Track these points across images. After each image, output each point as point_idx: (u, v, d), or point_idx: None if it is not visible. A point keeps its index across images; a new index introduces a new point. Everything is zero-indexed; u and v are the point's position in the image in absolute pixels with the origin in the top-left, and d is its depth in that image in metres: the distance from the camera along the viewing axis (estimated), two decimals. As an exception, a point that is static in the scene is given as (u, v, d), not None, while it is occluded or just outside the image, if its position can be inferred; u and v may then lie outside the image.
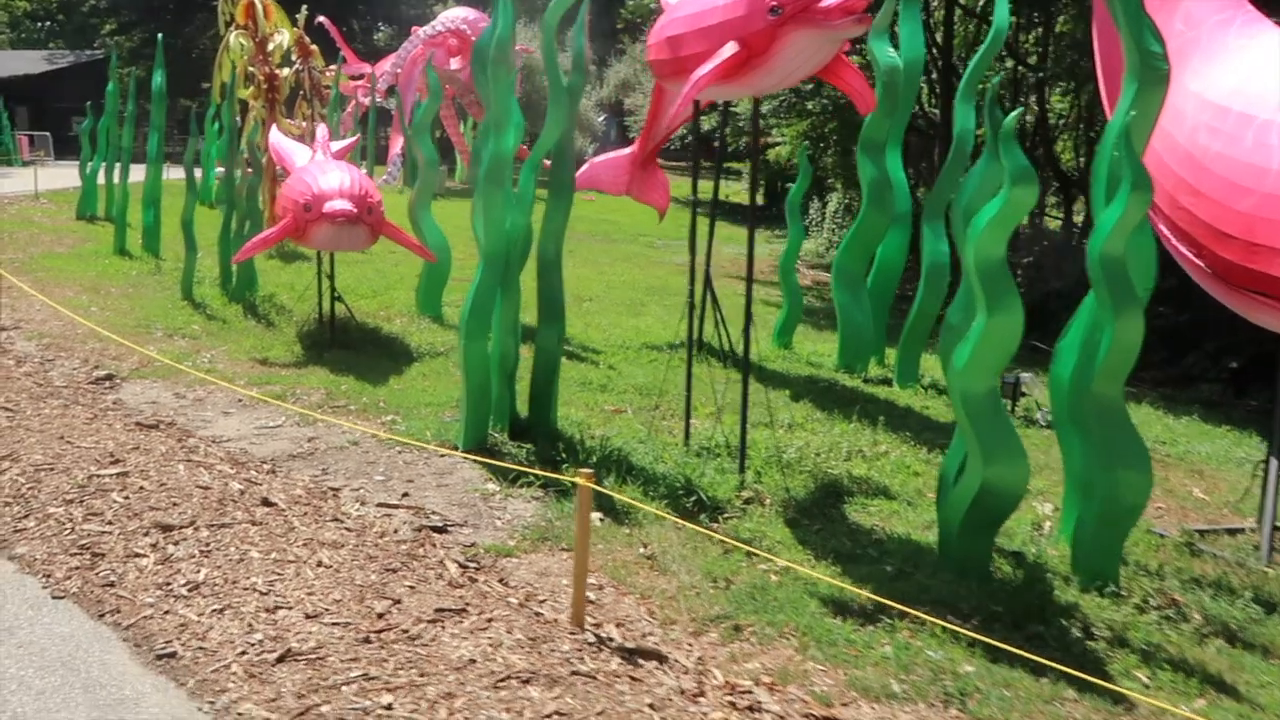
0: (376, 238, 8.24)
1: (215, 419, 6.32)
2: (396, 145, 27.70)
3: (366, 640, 3.43)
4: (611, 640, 3.62)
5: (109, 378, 7.08)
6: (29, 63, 49.98)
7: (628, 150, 9.66)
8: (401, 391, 7.11)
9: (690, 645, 3.72)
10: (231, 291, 10.19)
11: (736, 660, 3.63)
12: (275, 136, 10.61)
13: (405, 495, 5.19)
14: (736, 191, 31.48)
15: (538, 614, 3.79)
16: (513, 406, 6.28)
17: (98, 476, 4.83)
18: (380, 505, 5.00)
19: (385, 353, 8.30)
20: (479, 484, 5.42)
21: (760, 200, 32.78)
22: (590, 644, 3.57)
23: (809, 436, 6.48)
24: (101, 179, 17.18)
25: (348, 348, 8.39)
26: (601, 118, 49.68)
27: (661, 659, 3.54)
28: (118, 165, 15.16)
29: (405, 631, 3.50)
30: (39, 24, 62.68)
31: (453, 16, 25.74)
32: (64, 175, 24.90)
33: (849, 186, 20.73)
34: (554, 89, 6.07)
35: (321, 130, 9.33)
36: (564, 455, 5.75)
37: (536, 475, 5.31)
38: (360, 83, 29.16)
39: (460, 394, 6.56)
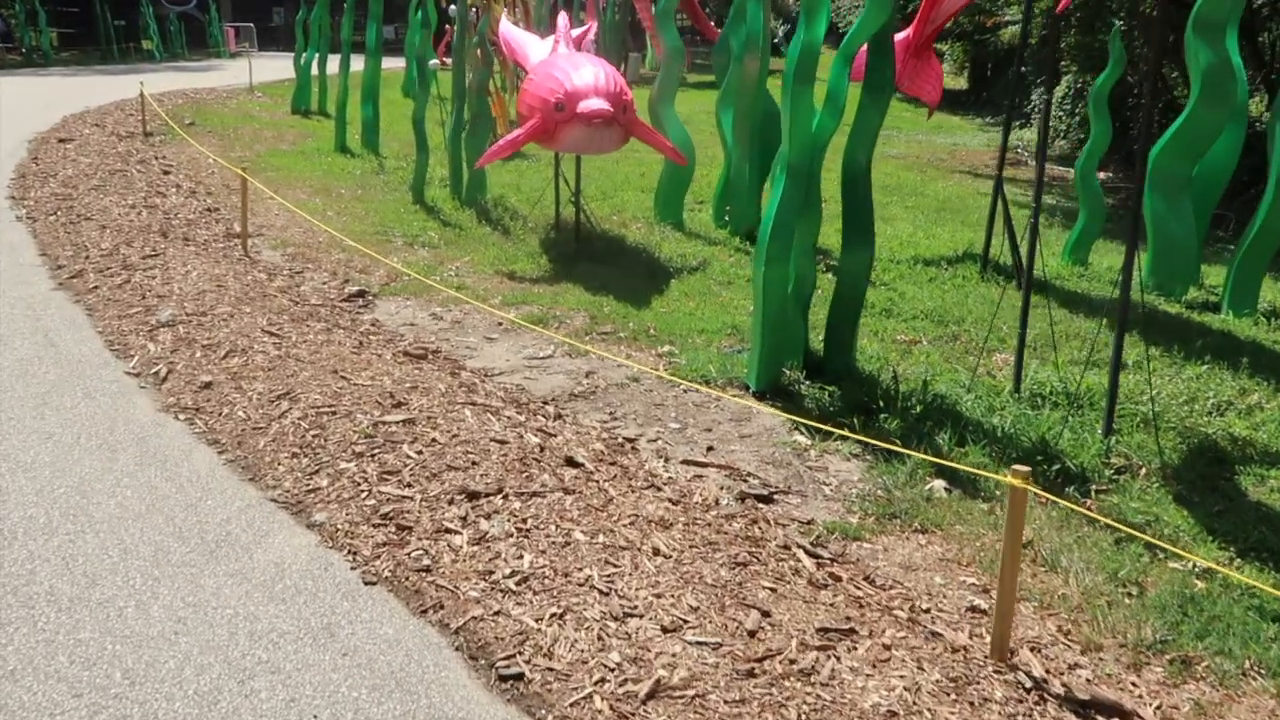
0: (628, 138, 7.53)
1: (480, 346, 5.80)
2: (591, 30, 26.93)
3: (750, 674, 2.78)
4: (1046, 683, 2.87)
5: (361, 294, 6.67)
6: (230, -46, 51.12)
7: (899, 35, 8.55)
8: (668, 315, 6.43)
9: (1135, 686, 2.94)
10: (464, 195, 9.70)
11: (1207, 715, 2.83)
12: (506, 27, 9.95)
13: (710, 450, 4.53)
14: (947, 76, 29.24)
15: (936, 634, 3.06)
16: (806, 340, 5.52)
17: (383, 424, 4.34)
18: (687, 463, 4.36)
19: (637, 267, 7.64)
20: (784, 435, 4.71)
21: (964, 83, 30.35)
22: (1026, 689, 2.82)
23: (1158, 383, 5.47)
24: (315, 72, 17.06)
25: (595, 260, 7.77)
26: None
27: (1124, 715, 2.76)
28: (333, 58, 14.95)
29: (793, 663, 2.84)
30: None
31: None
32: (271, 66, 25.18)
33: (1086, 69, 18.67)
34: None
35: (562, 19, 8.57)
36: (878, 402, 4.97)
37: (875, 445, 4.53)
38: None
39: (749, 323, 5.86)
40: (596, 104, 6.98)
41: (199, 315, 5.80)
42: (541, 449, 4.20)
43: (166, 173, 10.60)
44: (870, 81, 5.21)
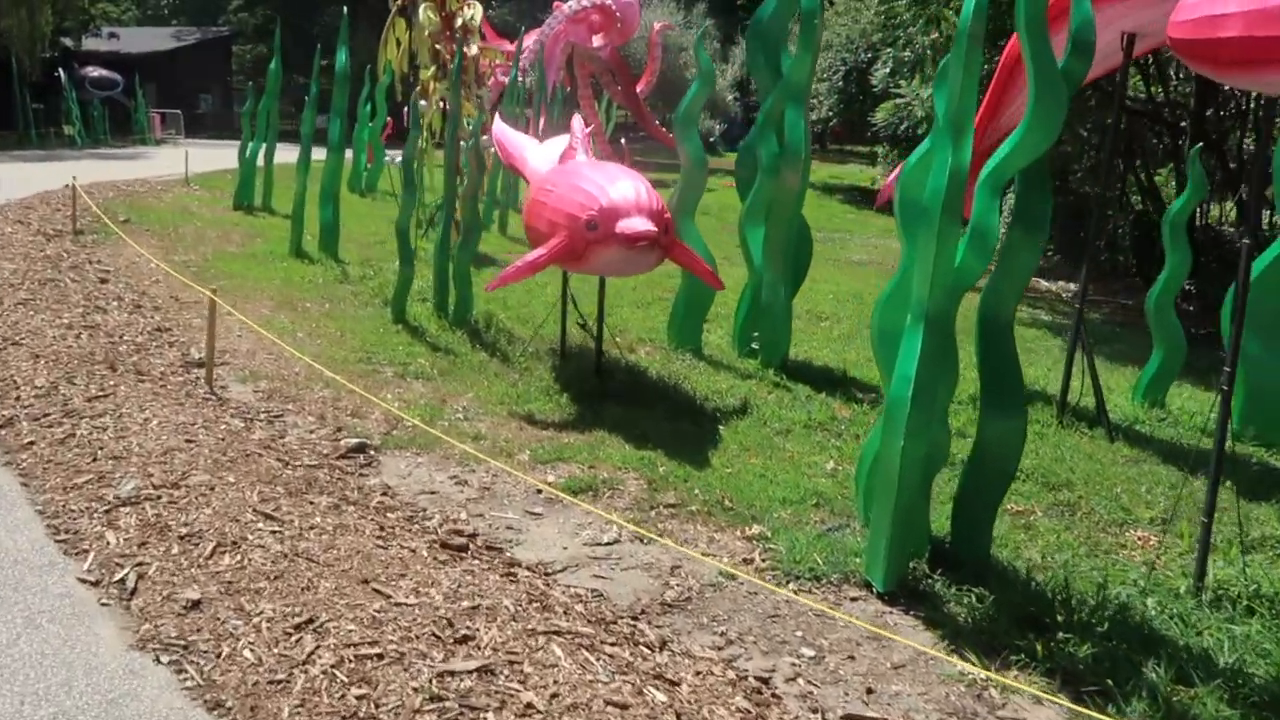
0: (664, 260, 6.59)
1: (524, 526, 4.69)
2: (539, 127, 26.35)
3: None
4: None
5: (361, 448, 5.52)
6: (157, 40, 49.97)
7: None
8: (735, 478, 5.40)
9: None
10: (452, 314, 8.61)
11: None
12: (500, 126, 9.01)
13: (870, 693, 3.48)
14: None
15: None
16: (929, 523, 4.54)
17: (452, 677, 3.19)
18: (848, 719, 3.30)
19: (672, 407, 6.61)
20: (946, 664, 3.68)
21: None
22: None
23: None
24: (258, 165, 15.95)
25: (620, 398, 6.74)
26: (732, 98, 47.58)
27: None
28: (281, 149, 13.86)
29: None
30: (162, 0, 62.91)
31: None
32: (203, 156, 23.91)
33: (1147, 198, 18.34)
34: (1045, 78, 4.16)
35: (578, 121, 7.64)
36: (1047, 612, 3.99)
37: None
38: (500, 62, 27.84)
39: (830, 488, 4.88)
40: (640, 224, 6.02)
41: (169, 487, 4.59)
42: (678, 716, 3.09)
43: (104, 281, 9.33)
44: (1023, 213, 4.33)
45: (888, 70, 26.33)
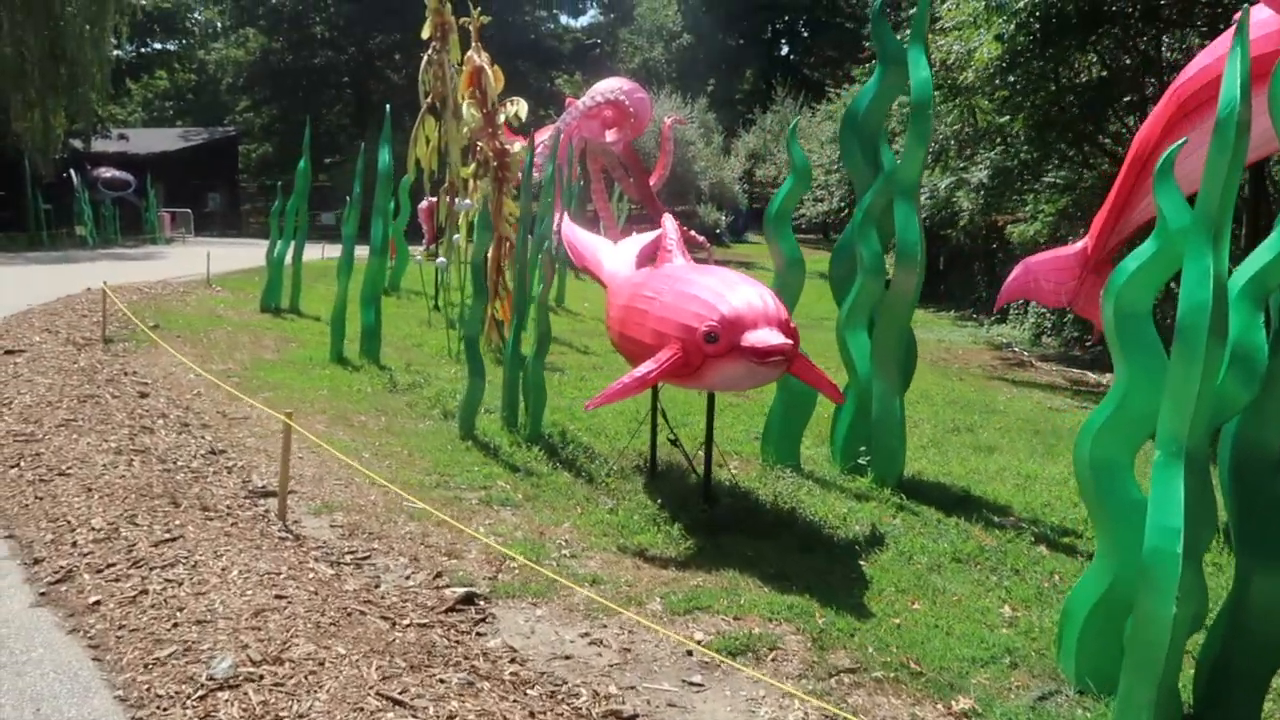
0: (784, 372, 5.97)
1: (690, 703, 3.95)
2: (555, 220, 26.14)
3: None
4: None
5: (470, 599, 4.80)
6: (165, 140, 50.18)
7: (1075, 246, 7.26)
8: (907, 630, 4.68)
9: None
10: (525, 429, 7.94)
11: None
12: (570, 227, 8.48)
13: None
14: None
15: None
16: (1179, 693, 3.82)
17: None
18: None
19: (800, 538, 5.91)
20: None
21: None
22: None
23: None
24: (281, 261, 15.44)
25: (736, 526, 6.05)
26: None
27: None
28: (324, 250, 13.37)
29: None
30: (167, 102, 63.40)
31: (609, 87, 24.05)
32: (218, 255, 23.49)
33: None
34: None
35: (670, 222, 7.07)
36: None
37: None
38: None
39: (1014, 639, 4.15)
40: (772, 337, 5.41)
41: (271, 662, 3.87)
42: None
43: (144, 395, 8.68)
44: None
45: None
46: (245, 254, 25.70)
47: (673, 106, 43.37)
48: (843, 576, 5.30)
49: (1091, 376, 14.64)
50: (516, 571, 5.19)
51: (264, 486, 6.39)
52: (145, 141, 47.53)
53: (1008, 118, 15.18)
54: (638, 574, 5.30)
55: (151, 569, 4.75)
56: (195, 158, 48.43)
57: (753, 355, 5.41)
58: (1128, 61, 13.76)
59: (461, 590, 4.87)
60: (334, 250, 13.58)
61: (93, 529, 5.25)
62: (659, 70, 60.40)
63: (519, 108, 12.43)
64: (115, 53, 40.14)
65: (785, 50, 66.42)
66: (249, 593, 4.53)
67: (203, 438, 7.46)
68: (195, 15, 54.37)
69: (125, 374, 9.56)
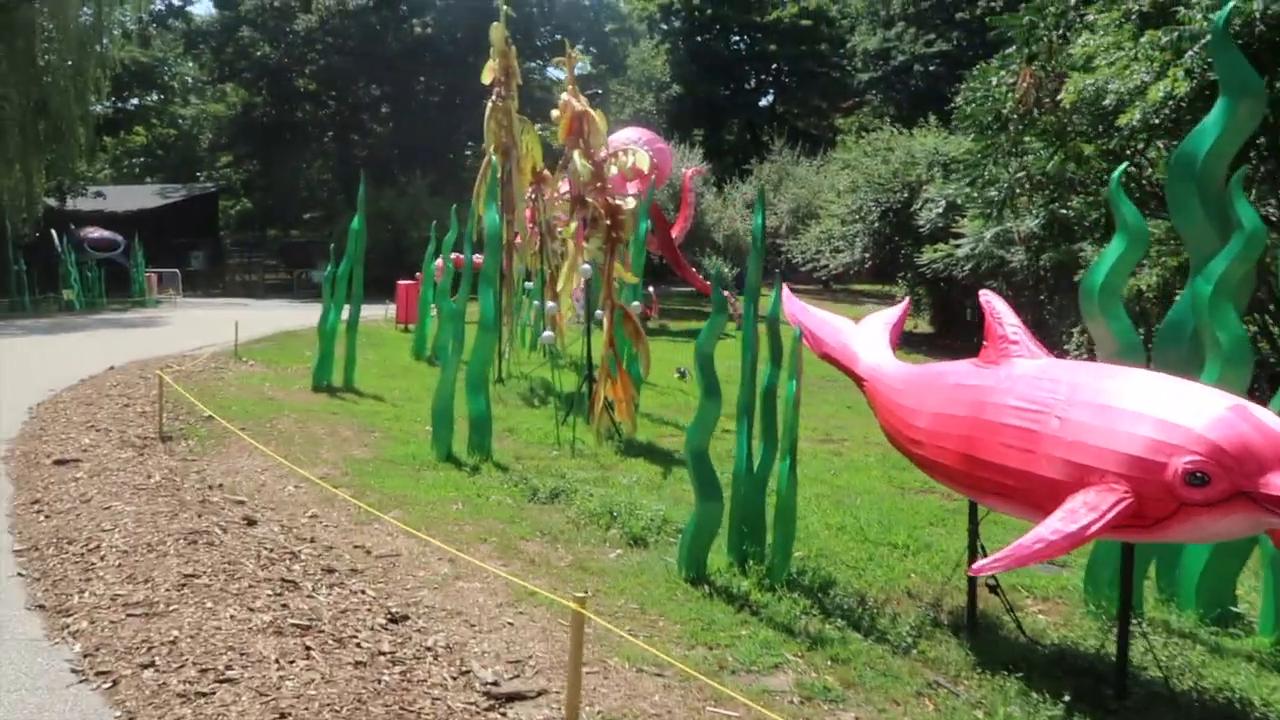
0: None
1: None
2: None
3: None
4: None
5: None
6: (141, 197, 48.23)
7: None
8: None
9: None
10: (773, 569, 6.14)
11: None
12: (799, 305, 6.79)
13: None
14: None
15: None
16: None
17: None
18: None
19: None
20: None
21: (927, 325, 28.42)
22: None
23: None
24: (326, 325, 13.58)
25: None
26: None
27: None
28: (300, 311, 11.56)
29: None
30: (136, 159, 61.21)
31: (628, 139, 22.58)
32: (220, 320, 21.60)
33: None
34: None
35: (1000, 303, 5.36)
36: None
37: None
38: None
39: None
40: None
41: None
42: None
43: (252, 523, 6.84)
44: None
45: (938, 210, 25.01)
46: (253, 317, 23.80)
47: (680, 156, 42.15)
48: None
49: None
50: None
51: (494, 682, 4.58)
52: (122, 199, 45.49)
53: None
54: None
55: None
56: (174, 215, 46.43)
57: (1260, 506, 3.73)
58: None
59: None
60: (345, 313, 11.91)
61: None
62: (650, 120, 59.33)
63: (636, 157, 10.80)
64: (95, 108, 38.23)
65: (772, 100, 65.77)
66: None
67: (364, 592, 5.63)
68: (175, 70, 52.59)
69: (210, 488, 7.70)
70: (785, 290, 6.66)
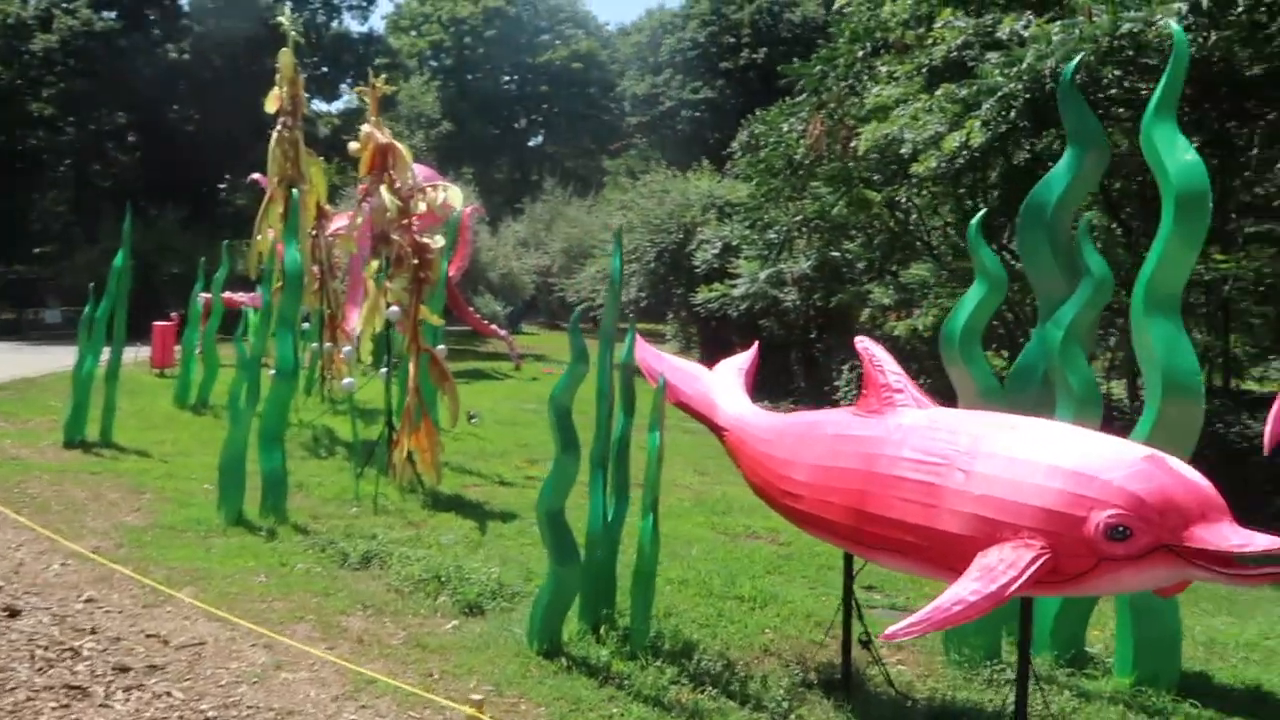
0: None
1: None
2: (353, 319, 23.58)
3: None
4: None
5: None
6: None
7: None
8: None
9: None
10: (633, 632, 5.65)
11: None
12: (651, 351, 6.40)
13: None
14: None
15: None
16: None
17: None
18: None
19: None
20: None
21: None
22: None
23: None
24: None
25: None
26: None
27: None
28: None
29: None
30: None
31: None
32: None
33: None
34: None
35: (878, 348, 5.12)
36: None
37: None
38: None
39: None
40: (1245, 534, 3.62)
41: None
42: None
43: (14, 614, 5.74)
44: None
45: (715, 251, 25.63)
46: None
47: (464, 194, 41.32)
48: None
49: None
50: None
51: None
52: None
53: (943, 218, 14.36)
54: None
55: None
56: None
57: (1214, 564, 3.61)
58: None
59: None
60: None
61: None
62: (420, 157, 58.26)
63: (448, 193, 10.18)
64: None
65: (542, 140, 66.11)
66: None
67: (170, 694, 4.76)
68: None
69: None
70: (638, 338, 6.26)
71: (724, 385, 6.01)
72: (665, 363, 6.26)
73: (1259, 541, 3.53)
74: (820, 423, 5.13)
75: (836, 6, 16.21)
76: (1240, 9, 9.67)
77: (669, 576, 7.27)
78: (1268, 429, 5.51)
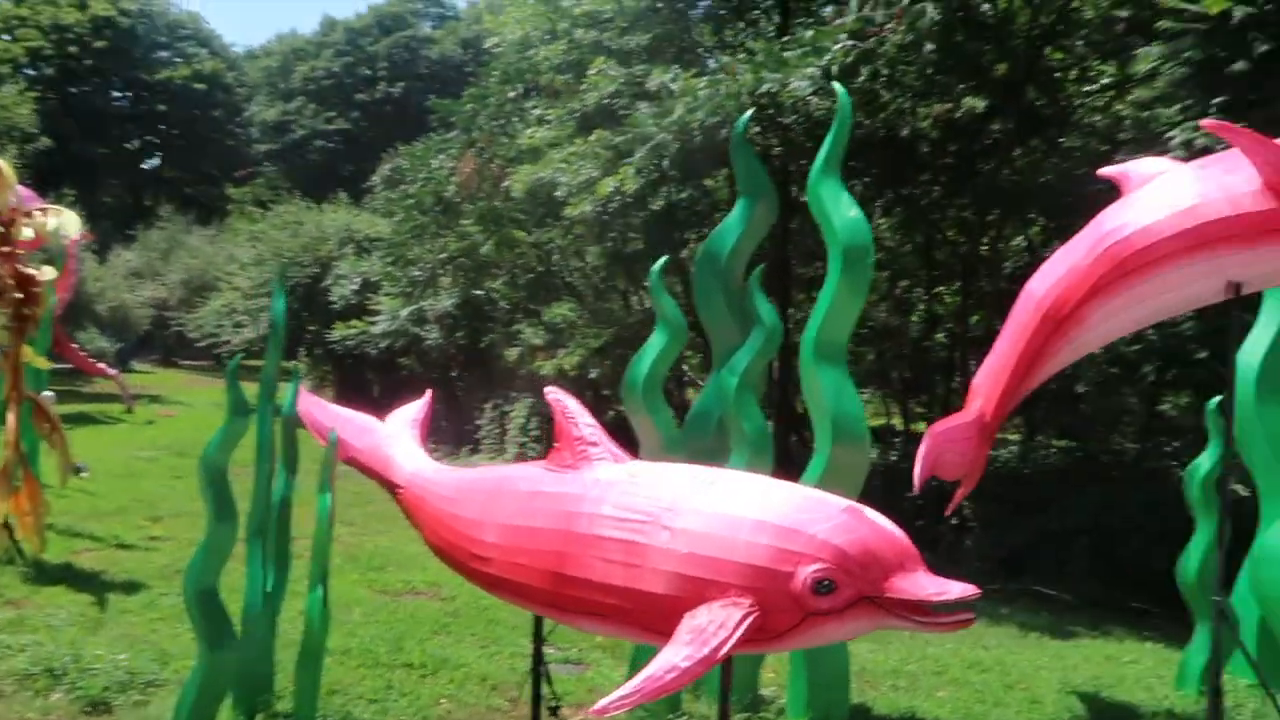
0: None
1: None
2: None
3: None
4: None
5: None
6: None
7: (969, 413, 6.42)
8: None
9: None
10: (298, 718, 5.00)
11: None
12: (315, 400, 5.79)
13: None
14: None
15: None
16: None
17: None
18: None
19: None
20: None
21: None
22: None
23: None
24: None
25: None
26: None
27: None
28: None
29: None
30: None
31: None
32: None
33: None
34: None
35: (570, 399, 4.85)
36: None
37: None
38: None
39: None
40: (942, 583, 3.71)
41: None
42: None
43: None
44: None
45: (353, 287, 24.92)
46: None
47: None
48: None
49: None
50: None
51: None
52: None
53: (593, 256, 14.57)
54: None
55: None
56: None
57: (913, 614, 3.68)
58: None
59: None
60: None
61: None
62: (19, 177, 51.82)
63: (62, 221, 8.85)
64: None
65: (159, 163, 61.19)
66: None
67: None
68: None
69: None
70: (301, 389, 5.65)
71: (397, 438, 5.55)
72: (331, 415, 5.69)
73: (953, 589, 3.64)
74: (510, 478, 4.82)
75: (487, 45, 16.15)
76: (862, 78, 10.57)
77: (329, 646, 6.60)
78: (916, 468, 5.88)
